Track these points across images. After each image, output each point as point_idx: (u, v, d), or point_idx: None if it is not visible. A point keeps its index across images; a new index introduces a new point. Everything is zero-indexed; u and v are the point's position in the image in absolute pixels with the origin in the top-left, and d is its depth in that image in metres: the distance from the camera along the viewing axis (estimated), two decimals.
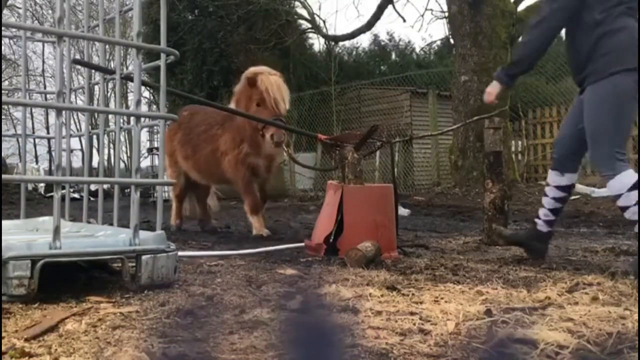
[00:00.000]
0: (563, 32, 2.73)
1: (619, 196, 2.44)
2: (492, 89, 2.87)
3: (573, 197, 7.79)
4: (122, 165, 20.32)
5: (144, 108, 13.96)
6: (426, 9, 14.63)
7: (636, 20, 2.51)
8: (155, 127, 3.32)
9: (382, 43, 19.47)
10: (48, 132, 17.07)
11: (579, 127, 2.61)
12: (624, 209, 2.43)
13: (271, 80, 3.69)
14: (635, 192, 2.38)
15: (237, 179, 4.00)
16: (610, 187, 2.47)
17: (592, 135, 2.52)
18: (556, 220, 2.86)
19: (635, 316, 1.54)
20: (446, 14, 10.91)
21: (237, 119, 3.90)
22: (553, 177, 2.78)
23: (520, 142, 10.82)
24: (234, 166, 3.96)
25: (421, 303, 1.76)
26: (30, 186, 11.60)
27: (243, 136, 3.91)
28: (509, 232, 3.06)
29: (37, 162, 23.54)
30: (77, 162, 15.73)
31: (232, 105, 3.99)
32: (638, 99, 2.45)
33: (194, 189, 4.63)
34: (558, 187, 2.77)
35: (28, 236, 2.11)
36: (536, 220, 2.87)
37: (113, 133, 2.85)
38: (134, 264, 1.96)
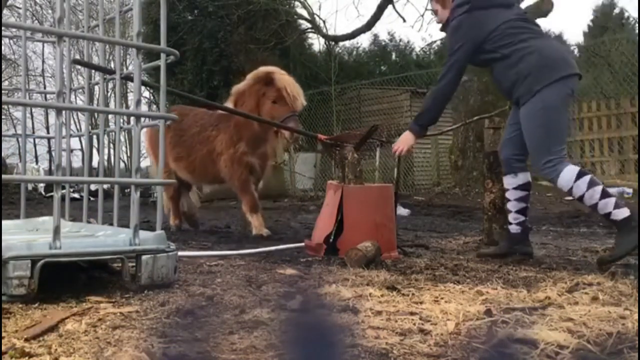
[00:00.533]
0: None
1: (570, 190, 2.65)
2: (405, 141, 3.07)
3: (573, 197, 7.79)
4: (122, 165, 20.34)
5: (144, 108, 13.97)
6: (426, 9, 14.58)
7: (542, 39, 2.81)
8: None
9: (382, 43, 19.49)
10: (48, 132, 17.08)
11: (515, 133, 2.87)
12: (581, 198, 2.63)
13: (287, 79, 3.82)
14: (584, 179, 2.60)
15: (233, 178, 4.01)
16: (560, 186, 2.68)
17: (532, 148, 2.78)
18: (527, 219, 2.97)
19: (635, 316, 1.54)
20: None
21: (234, 119, 3.92)
22: (509, 181, 2.95)
23: None
24: (231, 165, 3.97)
25: (421, 303, 1.76)
26: (30, 186, 11.60)
27: (240, 135, 3.93)
28: (488, 250, 3.11)
29: (37, 162, 23.55)
30: (77, 162, 15.74)
31: (229, 104, 4.00)
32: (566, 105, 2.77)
33: (185, 188, 4.65)
34: (517, 188, 2.92)
35: (28, 236, 2.11)
36: (509, 226, 2.99)
37: (113, 133, 2.84)
38: (134, 264, 1.96)
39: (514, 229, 2.95)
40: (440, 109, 3.00)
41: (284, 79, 3.80)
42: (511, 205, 2.96)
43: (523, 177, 2.91)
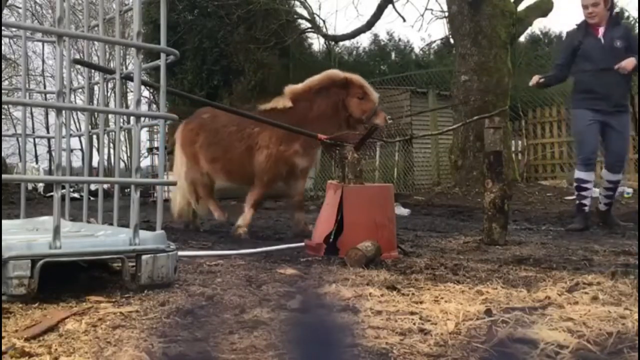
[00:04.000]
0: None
1: (571, 184, 4.60)
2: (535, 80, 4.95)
3: (573, 197, 7.80)
4: (122, 165, 20.32)
5: (143, 108, 13.97)
6: (426, 9, 14.61)
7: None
8: (155, 127, 3.32)
9: (382, 43, 19.50)
10: (48, 132, 17.08)
11: None
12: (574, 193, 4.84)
13: (359, 77, 4.14)
14: (580, 185, 4.61)
15: (267, 172, 3.99)
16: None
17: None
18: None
19: (635, 316, 1.54)
20: (446, 14, 10.91)
21: (294, 117, 3.91)
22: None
23: (520, 142, 10.83)
24: (274, 161, 3.96)
25: (421, 303, 1.75)
26: (30, 186, 11.60)
27: (296, 136, 3.89)
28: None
29: (37, 162, 23.53)
30: (77, 162, 15.74)
31: (285, 102, 4.02)
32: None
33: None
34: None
35: (28, 236, 2.11)
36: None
37: (113, 133, 2.84)
38: (134, 264, 1.96)
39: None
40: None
41: (359, 78, 4.09)
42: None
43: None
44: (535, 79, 4.86)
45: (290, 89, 4.12)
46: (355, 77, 4.04)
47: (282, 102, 4.06)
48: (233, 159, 4.18)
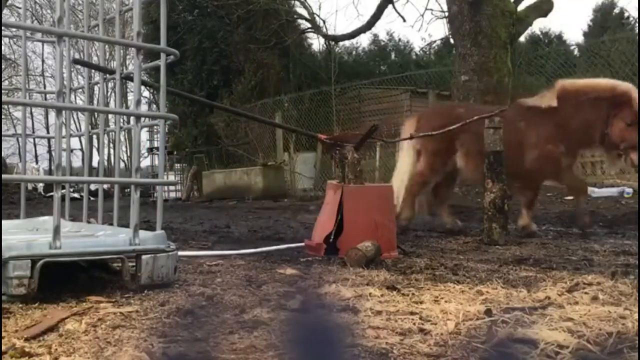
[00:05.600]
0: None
1: None
2: None
3: (573, 197, 7.79)
4: (122, 165, 20.35)
5: (143, 108, 13.97)
6: (426, 9, 14.65)
7: None
8: (155, 127, 3.32)
9: (382, 43, 19.52)
10: (48, 132, 17.08)
11: None
12: None
13: None
14: None
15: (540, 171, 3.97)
16: None
17: None
18: None
19: (635, 316, 1.54)
20: (446, 14, 10.92)
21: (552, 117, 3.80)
22: None
23: None
24: (551, 162, 3.90)
25: (421, 303, 1.75)
26: (30, 186, 11.60)
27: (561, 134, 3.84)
28: None
29: (37, 162, 23.55)
30: (77, 162, 15.75)
31: (548, 97, 3.83)
32: None
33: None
34: None
35: (28, 236, 2.11)
36: None
37: (113, 133, 2.84)
38: (134, 264, 1.96)
39: None
40: None
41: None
42: None
43: None
44: None
45: (563, 83, 3.89)
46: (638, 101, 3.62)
47: (547, 99, 3.86)
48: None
